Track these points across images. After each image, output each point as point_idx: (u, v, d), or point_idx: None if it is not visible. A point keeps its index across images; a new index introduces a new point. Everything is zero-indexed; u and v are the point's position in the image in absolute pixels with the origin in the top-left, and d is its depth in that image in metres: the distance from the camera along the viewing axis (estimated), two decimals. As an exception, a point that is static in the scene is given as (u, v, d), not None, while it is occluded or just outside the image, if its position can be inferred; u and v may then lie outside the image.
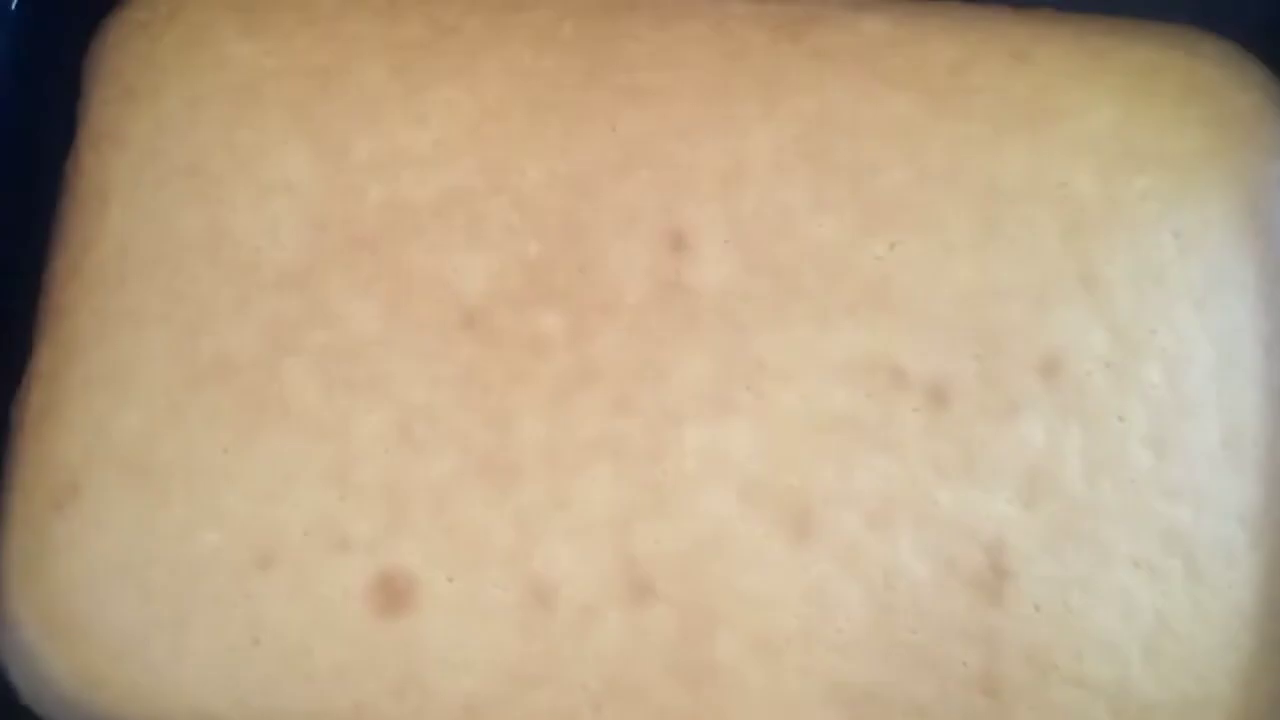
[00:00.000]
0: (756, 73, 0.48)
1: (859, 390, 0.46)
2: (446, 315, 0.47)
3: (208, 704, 0.46)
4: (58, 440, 0.47)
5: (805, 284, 0.46)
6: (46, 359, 0.48)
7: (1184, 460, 0.45)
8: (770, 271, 0.47)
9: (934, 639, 0.44)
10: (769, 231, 0.47)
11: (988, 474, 0.45)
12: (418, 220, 0.47)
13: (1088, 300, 0.46)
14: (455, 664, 0.45)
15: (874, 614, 0.44)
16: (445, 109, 0.48)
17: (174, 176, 0.48)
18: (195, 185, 0.48)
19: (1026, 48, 0.48)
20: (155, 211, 0.48)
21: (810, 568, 0.45)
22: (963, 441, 0.45)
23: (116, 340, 0.47)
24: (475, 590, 0.45)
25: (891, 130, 0.47)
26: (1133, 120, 0.47)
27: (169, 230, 0.48)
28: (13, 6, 0.49)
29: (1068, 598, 0.44)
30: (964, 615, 0.44)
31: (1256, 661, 0.45)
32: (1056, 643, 0.44)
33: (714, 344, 0.46)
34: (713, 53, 0.49)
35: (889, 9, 0.49)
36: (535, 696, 0.45)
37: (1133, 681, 0.44)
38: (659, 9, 0.49)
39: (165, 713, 0.46)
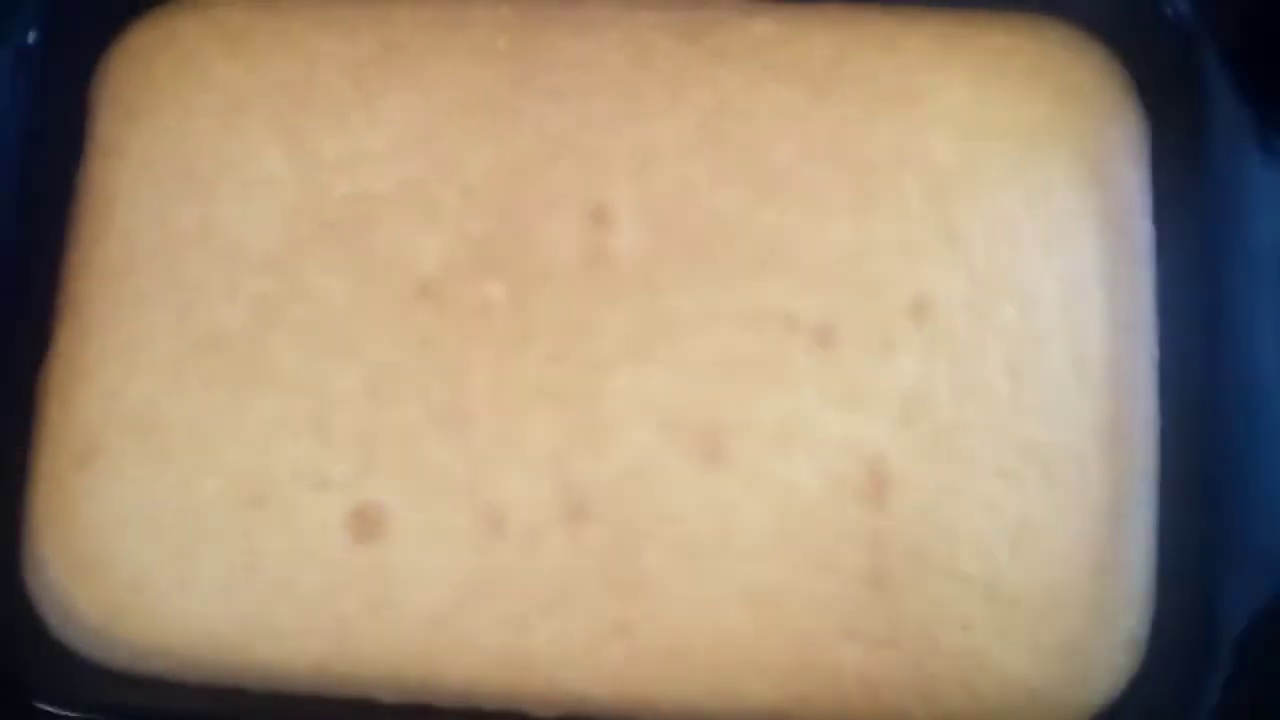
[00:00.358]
0: (662, 71, 0.53)
1: (758, 336, 0.51)
2: (405, 287, 0.52)
3: (212, 626, 0.51)
4: (78, 407, 0.53)
5: (709, 248, 0.51)
6: (65, 339, 0.54)
7: (1038, 384, 0.50)
8: (679, 239, 0.52)
9: (828, 543, 0.49)
10: (676, 205, 0.52)
11: (869, 401, 0.50)
12: (378, 208, 0.53)
13: (950, 252, 0.51)
14: (422, 581, 0.50)
15: (777, 524, 0.50)
16: (399, 113, 0.53)
17: (170, 180, 0.54)
18: (188, 186, 0.54)
19: (894, 39, 0.54)
20: (154, 210, 0.54)
21: (721, 487, 0.50)
22: (847, 375, 0.50)
23: (125, 320, 0.53)
24: (437, 518, 0.50)
25: (779, 115, 0.53)
26: (986, 96, 0.53)
27: (167, 225, 0.53)
28: (30, 41, 0.56)
29: (941, 503, 0.50)
30: (853, 521, 0.49)
31: (1108, 554, 0.50)
32: (933, 542, 0.49)
33: (633, 302, 0.51)
34: (624, 56, 0.54)
35: (775, 11, 0.55)
36: (491, 606, 0.50)
37: (1002, 574, 0.49)
38: (578, 23, 0.54)
39: (176, 635, 0.51)
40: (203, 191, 0.54)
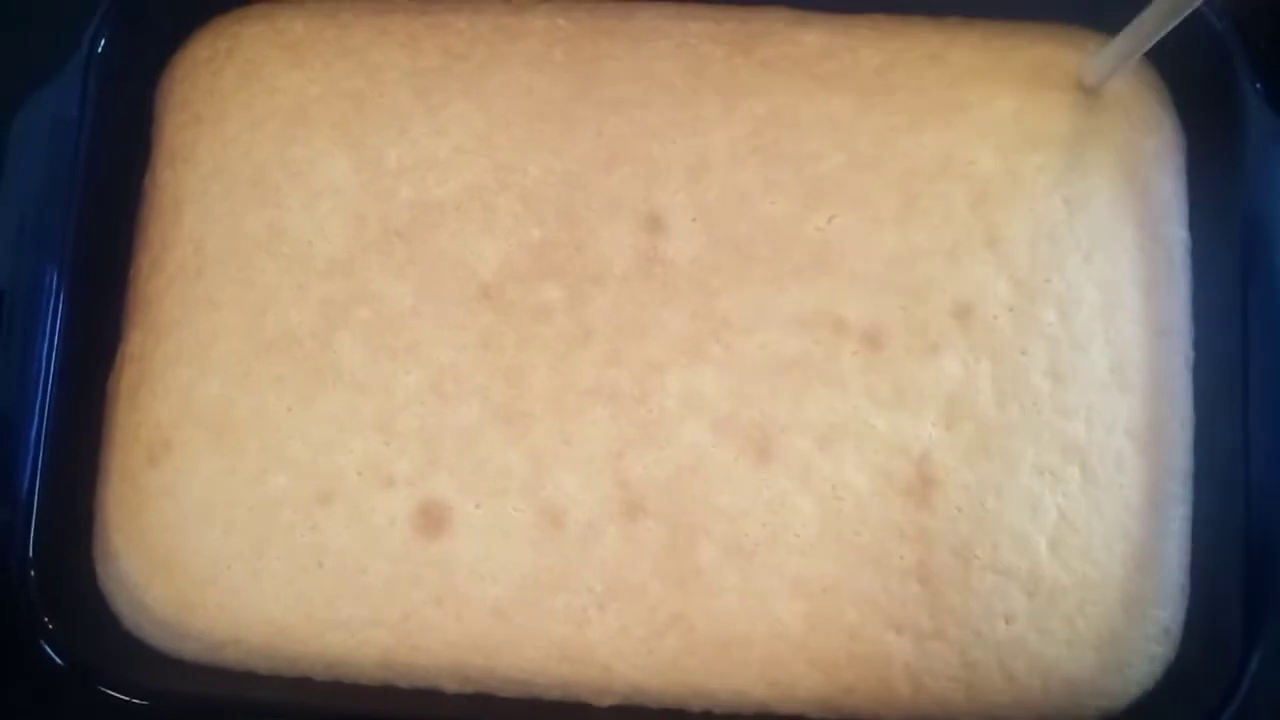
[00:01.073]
0: (715, 82, 0.55)
1: (807, 338, 0.53)
2: (467, 290, 0.54)
3: (282, 619, 0.53)
4: (150, 407, 0.55)
5: (760, 253, 0.53)
6: (136, 341, 0.56)
7: (1078, 386, 0.52)
8: (731, 244, 0.53)
9: (875, 539, 0.51)
10: (729, 211, 0.54)
11: (915, 402, 0.52)
12: (441, 214, 0.54)
13: (993, 257, 0.53)
14: (484, 575, 0.52)
15: (825, 520, 0.52)
16: (460, 122, 0.55)
17: (238, 186, 0.56)
18: (256, 193, 0.55)
19: (940, 51, 0.55)
20: (223, 216, 0.56)
21: (772, 484, 0.52)
22: (893, 376, 0.52)
23: (196, 322, 0.55)
24: (498, 514, 0.52)
25: (828, 125, 0.54)
26: (1029, 107, 0.54)
27: (236, 230, 0.55)
28: (99, 49, 0.57)
29: (984, 500, 0.51)
30: (899, 518, 0.51)
31: (1144, 549, 0.52)
32: (977, 538, 0.51)
33: (687, 305, 0.53)
34: (678, 67, 0.55)
35: (825, 23, 0.56)
36: (550, 599, 0.52)
37: (1042, 568, 0.51)
38: (632, 33, 0.56)
39: (247, 628, 0.53)
40: (271, 198, 0.56)
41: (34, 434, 0.55)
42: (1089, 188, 0.54)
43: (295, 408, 0.54)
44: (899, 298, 0.53)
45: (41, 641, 0.54)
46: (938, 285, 0.53)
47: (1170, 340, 0.54)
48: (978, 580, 0.51)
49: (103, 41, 0.57)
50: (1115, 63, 0.52)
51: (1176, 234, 0.55)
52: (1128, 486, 0.52)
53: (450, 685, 0.53)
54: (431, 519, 0.53)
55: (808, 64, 0.56)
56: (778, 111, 0.55)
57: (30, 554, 0.54)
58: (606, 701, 0.53)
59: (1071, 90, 0.55)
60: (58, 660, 0.54)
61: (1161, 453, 0.53)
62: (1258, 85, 0.54)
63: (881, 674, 0.52)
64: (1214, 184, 0.55)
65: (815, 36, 0.56)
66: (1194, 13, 0.54)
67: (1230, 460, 0.53)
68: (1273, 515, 0.52)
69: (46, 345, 0.56)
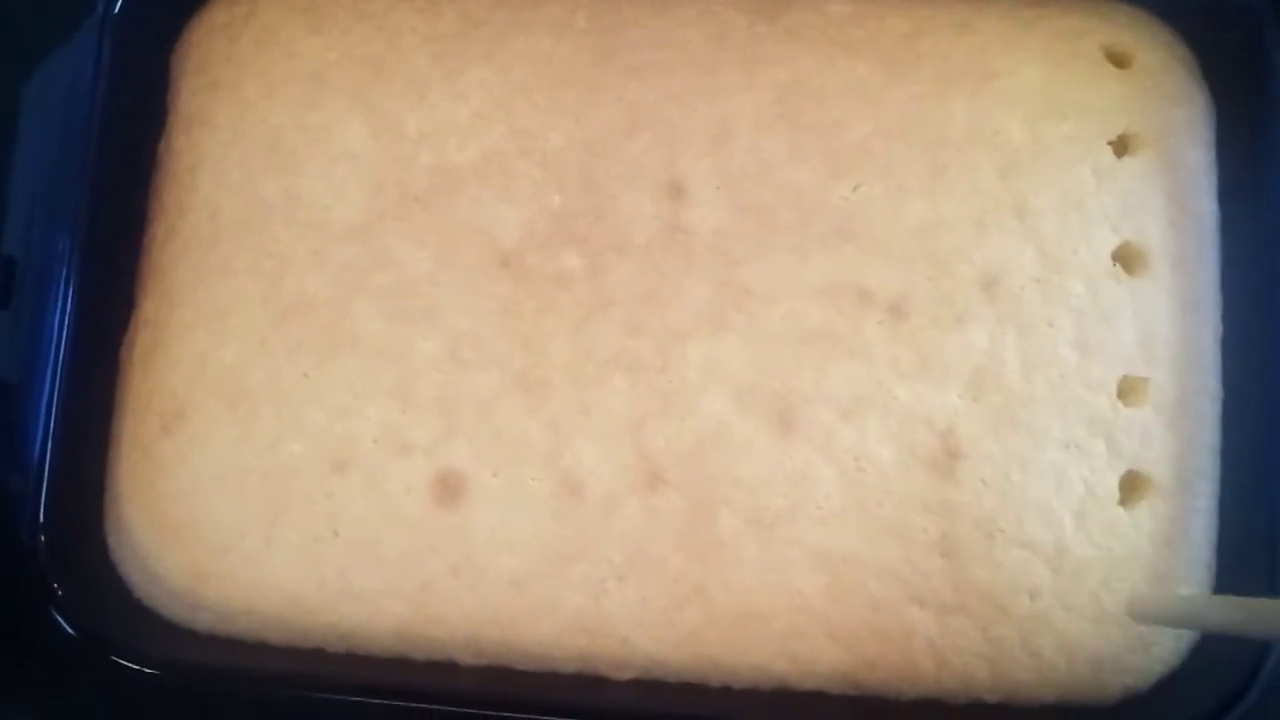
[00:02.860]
0: (739, 49, 0.54)
1: (831, 308, 0.52)
2: (486, 257, 0.53)
3: (296, 588, 0.53)
4: (164, 374, 0.54)
5: (784, 221, 0.53)
6: (150, 307, 0.56)
7: (1105, 359, 0.52)
8: (754, 212, 0.53)
9: (898, 511, 0.51)
10: (752, 179, 0.53)
11: (940, 373, 0.51)
12: (460, 179, 0.54)
13: (1020, 227, 0.52)
14: (502, 545, 0.52)
15: (848, 492, 0.51)
16: (480, 87, 0.55)
17: (256, 152, 0.55)
18: (273, 159, 0.55)
19: (967, 19, 0.55)
20: (240, 181, 0.55)
21: (794, 456, 0.51)
22: (919, 347, 0.52)
23: (211, 289, 0.54)
24: (517, 484, 0.52)
25: (854, 92, 0.54)
26: (1057, 77, 0.54)
27: (253, 196, 0.55)
28: (115, 13, 0.56)
29: (1009, 474, 0.51)
30: (923, 490, 0.51)
31: (1170, 525, 0.51)
32: (1001, 511, 0.51)
33: (709, 274, 0.52)
34: (701, 34, 0.55)
35: (850, -9, 0.56)
36: (569, 570, 0.51)
37: (1067, 542, 0.51)
38: (656, 0, 0.55)
39: (260, 598, 0.53)
40: (288, 163, 0.55)
41: (46, 402, 0.55)
42: (1117, 159, 0.53)
43: (311, 374, 0.53)
44: (925, 268, 0.52)
45: (52, 610, 0.54)
46: (964, 255, 0.52)
47: (1199, 314, 0.53)
48: (1002, 554, 0.51)
49: (118, 5, 0.57)
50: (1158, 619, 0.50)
51: (1206, 207, 0.54)
52: (1155, 461, 0.52)
53: (465, 657, 0.53)
54: (448, 488, 0.52)
55: (833, 31, 0.55)
56: (802, 79, 0.54)
57: (41, 521, 0.54)
58: (625, 675, 0.52)
59: (1101, 61, 0.55)
60: (68, 629, 0.54)
61: (1189, 428, 0.52)
62: (1291, 58, 0.53)
63: (903, 649, 0.51)
64: (1243, 157, 0.55)
65: (840, 4, 0.56)
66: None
67: (1258, 437, 0.53)
68: (1302, 492, 0.51)
69: (59, 312, 0.56)
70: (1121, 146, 0.54)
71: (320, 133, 0.55)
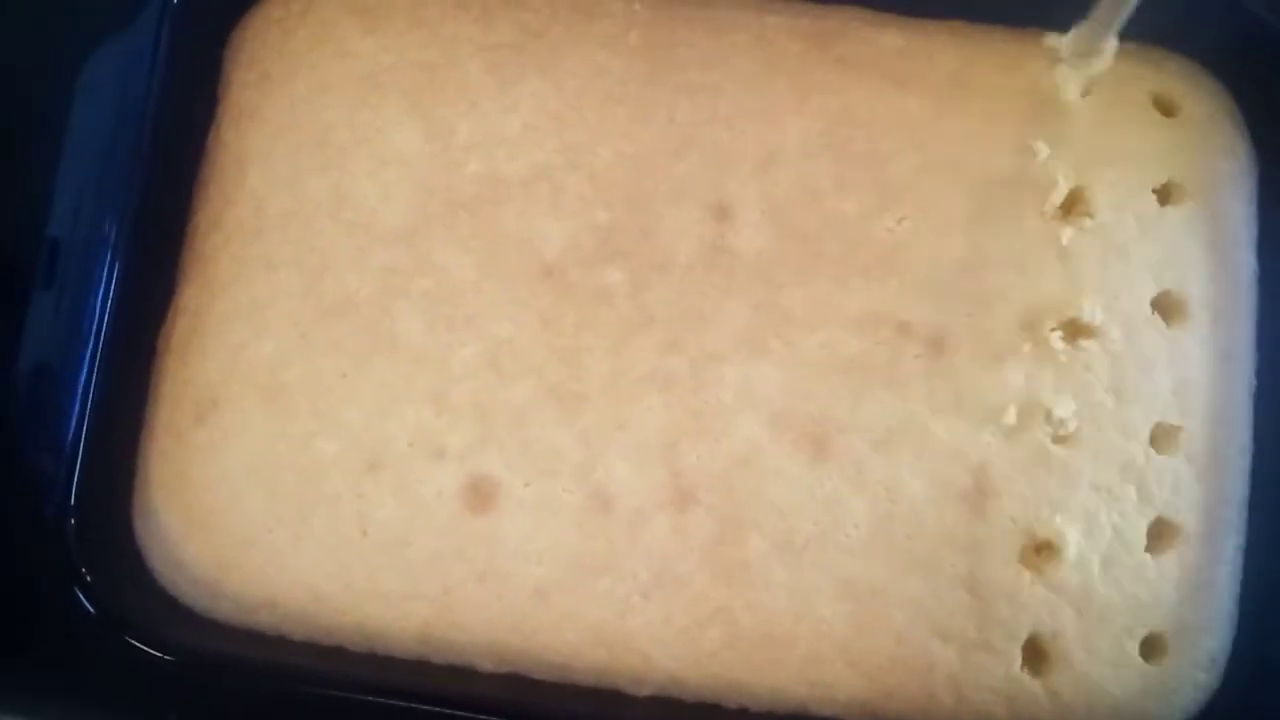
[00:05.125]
0: (790, 75, 0.55)
1: (870, 339, 0.52)
2: (529, 268, 0.53)
3: (321, 586, 0.53)
4: (200, 364, 0.54)
5: (827, 250, 0.53)
6: (190, 296, 0.56)
7: (1140, 405, 0.52)
8: (798, 239, 0.53)
9: (927, 545, 0.51)
10: (798, 206, 0.53)
11: (975, 410, 0.52)
12: (508, 190, 0.54)
13: (1062, 270, 0.53)
14: (529, 555, 0.52)
15: (877, 523, 0.51)
16: (532, 100, 0.55)
17: (304, 148, 0.55)
18: (322, 156, 0.55)
19: (1016, 59, 0.55)
20: (287, 177, 0.55)
21: (825, 483, 0.51)
22: (955, 384, 0.52)
23: (252, 281, 0.55)
24: (548, 494, 0.52)
25: (902, 125, 0.54)
26: (1106, 122, 0.54)
27: (299, 192, 0.55)
28: (174, 2, 0.57)
29: (1039, 514, 0.51)
30: (952, 526, 0.51)
31: (1196, 575, 0.51)
32: (1029, 552, 0.51)
33: (750, 298, 0.53)
34: (754, 58, 0.55)
35: (903, 25, 0.56)
36: (594, 584, 0.52)
37: (1093, 587, 0.51)
38: (710, 21, 0.56)
39: (285, 592, 0.53)
40: (336, 162, 0.55)
41: (82, 385, 0.55)
42: (1160, 207, 0.54)
43: (349, 374, 0.53)
44: (965, 304, 0.53)
45: (75, 589, 0.54)
46: (1005, 295, 0.53)
47: (1234, 365, 0.53)
48: (1028, 594, 0.51)
49: (177, -6, 0.57)
50: (1089, 41, 0.51)
51: (1245, 259, 0.54)
52: (1184, 510, 0.52)
53: (485, 664, 0.53)
54: (480, 494, 0.52)
55: (884, 64, 0.56)
56: (851, 109, 0.55)
57: (71, 503, 0.54)
58: (643, 691, 0.53)
59: (1149, 108, 0.55)
60: (90, 609, 0.54)
61: (1219, 478, 0.52)
62: (1335, 117, 0.54)
63: (924, 681, 0.51)
64: (1283, 211, 0.55)
65: (892, 37, 0.56)
66: (1271, 40, 0.55)
67: (1286, 491, 0.53)
68: (1327, 549, 0.52)
69: (100, 297, 0.56)
70: (1165, 195, 0.54)
71: (370, 133, 0.55)
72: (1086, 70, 0.52)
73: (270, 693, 0.53)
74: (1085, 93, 0.55)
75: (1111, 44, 0.50)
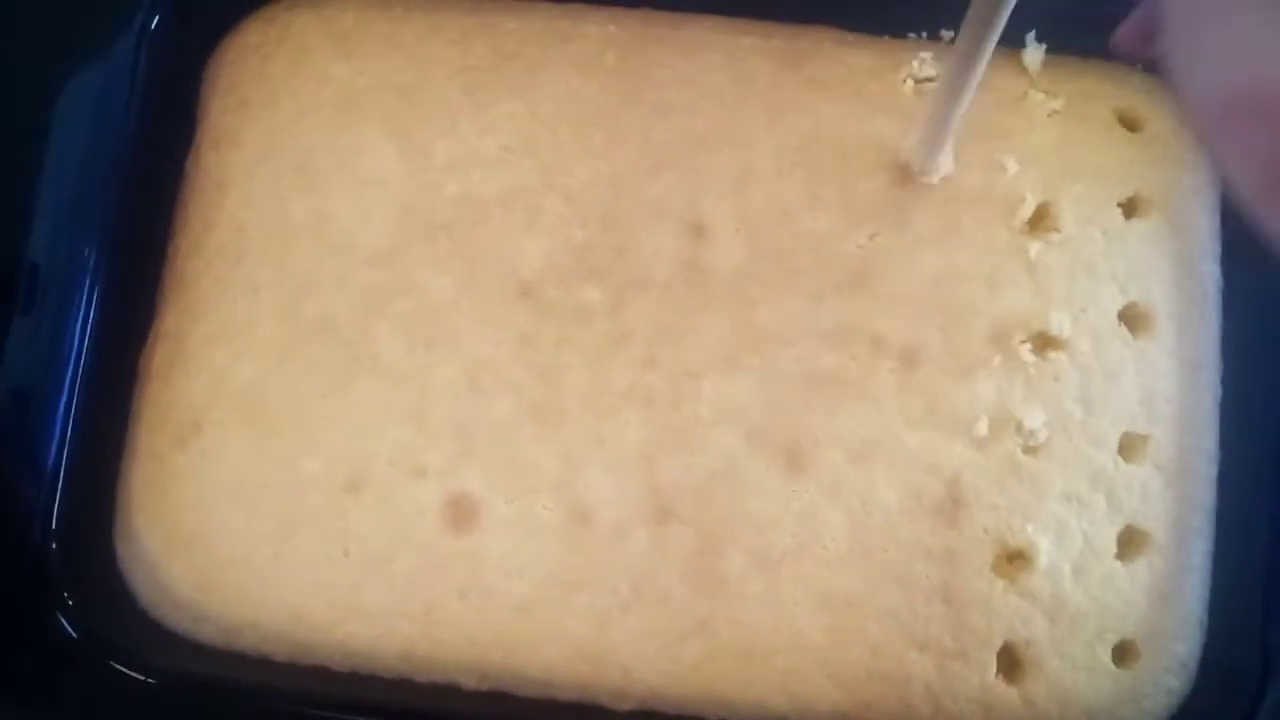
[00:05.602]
0: (762, 95, 0.56)
1: (844, 353, 0.53)
2: (507, 287, 0.54)
3: (304, 605, 0.53)
4: (182, 386, 0.55)
5: (801, 266, 0.54)
6: (171, 320, 0.56)
7: (1108, 415, 0.53)
8: (772, 256, 0.54)
9: (902, 556, 0.52)
10: (771, 223, 0.54)
11: (948, 422, 0.52)
12: (486, 210, 0.55)
13: (1031, 284, 0.53)
14: (510, 571, 0.52)
15: (853, 535, 0.52)
16: (508, 121, 0.56)
17: (284, 172, 0.56)
18: (303, 180, 0.55)
19: (984, 78, 0.56)
20: (268, 200, 0.56)
21: (802, 496, 0.52)
22: (928, 396, 0.52)
23: (233, 304, 0.55)
24: (528, 511, 0.52)
25: (872, 143, 0.55)
26: (1071, 137, 0.55)
27: (280, 215, 0.55)
28: (151, 29, 0.58)
29: (1011, 523, 0.52)
30: (926, 536, 0.52)
31: (1165, 581, 0.52)
32: (1002, 561, 0.52)
33: (726, 313, 0.53)
34: (727, 78, 0.56)
35: (872, 45, 0.57)
36: (575, 598, 0.52)
37: (1065, 594, 0.51)
38: (684, 43, 0.57)
39: (268, 612, 0.53)
40: (316, 185, 0.56)
41: (63, 409, 0.56)
42: (1126, 221, 0.55)
43: (330, 394, 0.54)
44: (937, 318, 0.53)
45: (58, 614, 0.54)
46: (975, 308, 0.53)
47: (1200, 375, 0.54)
48: (1002, 603, 0.52)
49: (154, 21, 0.58)
50: (932, 144, 0.51)
51: (1209, 271, 0.55)
52: (1153, 518, 0.53)
53: (468, 681, 0.53)
54: (461, 512, 0.53)
55: (854, 83, 0.56)
56: (823, 128, 0.56)
57: (53, 527, 0.54)
58: (624, 705, 0.53)
59: (1114, 124, 0.56)
60: (72, 633, 0.54)
61: (1187, 486, 0.53)
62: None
63: (901, 692, 0.52)
64: (1245, 224, 0.56)
65: (862, 57, 0.57)
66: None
67: (1253, 498, 0.54)
68: (1294, 554, 0.53)
69: (80, 321, 0.57)
70: (1130, 209, 0.55)
71: (349, 156, 0.56)
72: (933, 174, 0.53)
73: (254, 714, 0.54)
74: (1052, 112, 0.56)
75: (947, 156, 0.52)
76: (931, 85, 0.56)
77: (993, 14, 0.40)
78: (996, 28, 0.41)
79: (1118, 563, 0.52)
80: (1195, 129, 0.29)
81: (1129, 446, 0.53)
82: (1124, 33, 0.42)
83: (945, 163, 0.52)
